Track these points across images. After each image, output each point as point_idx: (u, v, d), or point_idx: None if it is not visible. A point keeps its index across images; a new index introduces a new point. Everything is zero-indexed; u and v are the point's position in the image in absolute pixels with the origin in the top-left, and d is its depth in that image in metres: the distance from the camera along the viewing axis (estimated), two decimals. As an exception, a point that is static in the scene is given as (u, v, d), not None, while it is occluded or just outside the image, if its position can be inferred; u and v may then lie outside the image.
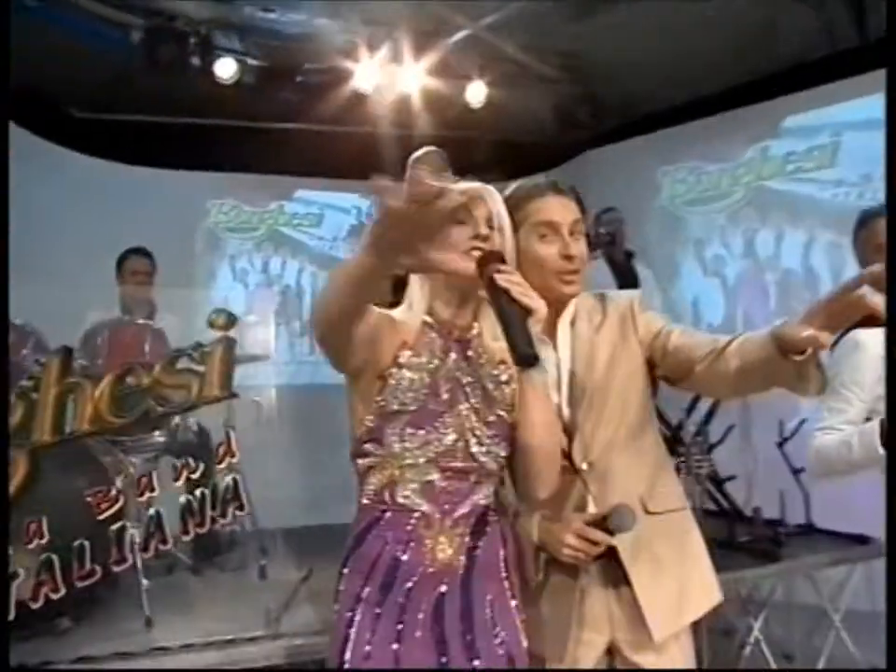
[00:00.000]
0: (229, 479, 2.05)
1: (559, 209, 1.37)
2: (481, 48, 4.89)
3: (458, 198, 0.81)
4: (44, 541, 1.92)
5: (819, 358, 1.19)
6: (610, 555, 1.36)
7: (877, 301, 1.05)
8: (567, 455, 1.37)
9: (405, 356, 1.21)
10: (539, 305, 1.17)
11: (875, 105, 3.21)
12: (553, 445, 1.21)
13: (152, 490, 2.01)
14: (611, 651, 1.41)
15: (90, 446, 2.37)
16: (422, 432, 1.16)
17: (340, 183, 5.56)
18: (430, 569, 1.16)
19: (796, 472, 3.13)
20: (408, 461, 1.17)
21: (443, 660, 1.15)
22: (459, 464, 1.18)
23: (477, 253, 1.20)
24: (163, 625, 2.11)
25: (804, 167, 4.29)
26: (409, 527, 1.17)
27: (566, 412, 1.39)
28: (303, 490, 3.89)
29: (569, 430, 1.38)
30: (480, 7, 4.37)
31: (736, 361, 1.26)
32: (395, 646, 1.14)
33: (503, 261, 1.20)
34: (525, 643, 1.22)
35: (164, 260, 4.62)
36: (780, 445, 3.18)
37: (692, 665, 1.43)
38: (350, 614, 1.17)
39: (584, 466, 1.37)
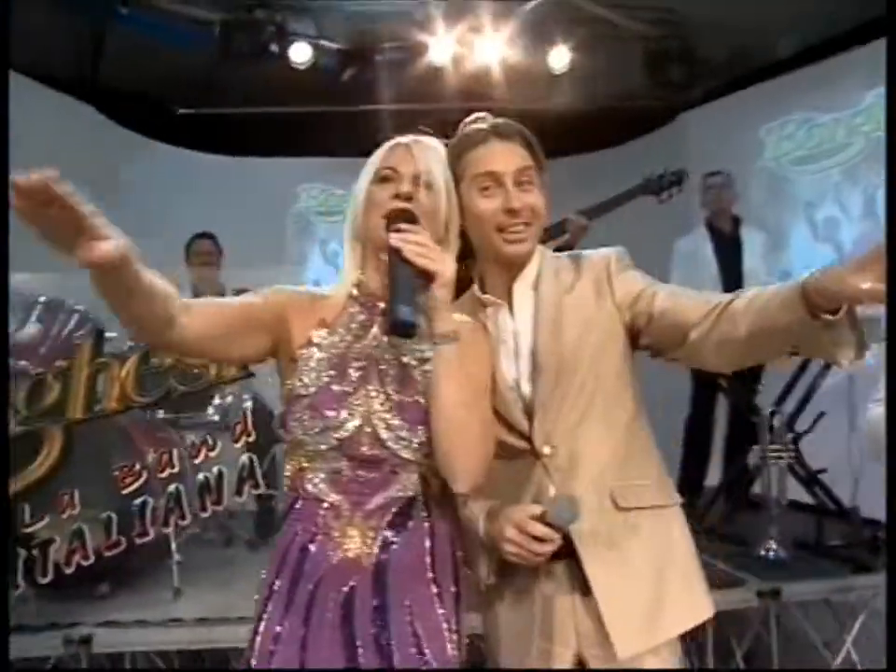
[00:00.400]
0: (245, 458, 2.07)
1: (501, 157, 1.18)
2: (563, 9, 4.62)
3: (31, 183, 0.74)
4: (76, 512, 2.04)
5: (856, 317, 0.98)
6: (576, 557, 1.20)
7: None
8: (528, 438, 1.20)
9: (320, 334, 1.12)
10: (443, 268, 1.03)
11: None
12: (469, 430, 1.05)
13: (172, 466, 2.07)
14: (581, 664, 1.24)
15: (148, 421, 2.52)
16: (320, 417, 1.07)
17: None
18: (337, 564, 1.07)
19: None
20: (310, 448, 1.09)
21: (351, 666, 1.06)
22: (367, 452, 1.07)
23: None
24: (192, 598, 2.19)
25: (939, 110, 3.66)
26: (318, 518, 1.09)
27: (525, 387, 1.21)
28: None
29: (530, 409, 1.20)
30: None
31: (744, 323, 1.05)
32: (301, 644, 1.07)
33: (413, 220, 1.07)
34: (452, 653, 1.09)
35: (257, 245, 4.85)
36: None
37: None
38: (263, 606, 1.12)
39: (546, 450, 1.18)
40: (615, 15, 4.69)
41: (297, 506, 1.12)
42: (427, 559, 1.11)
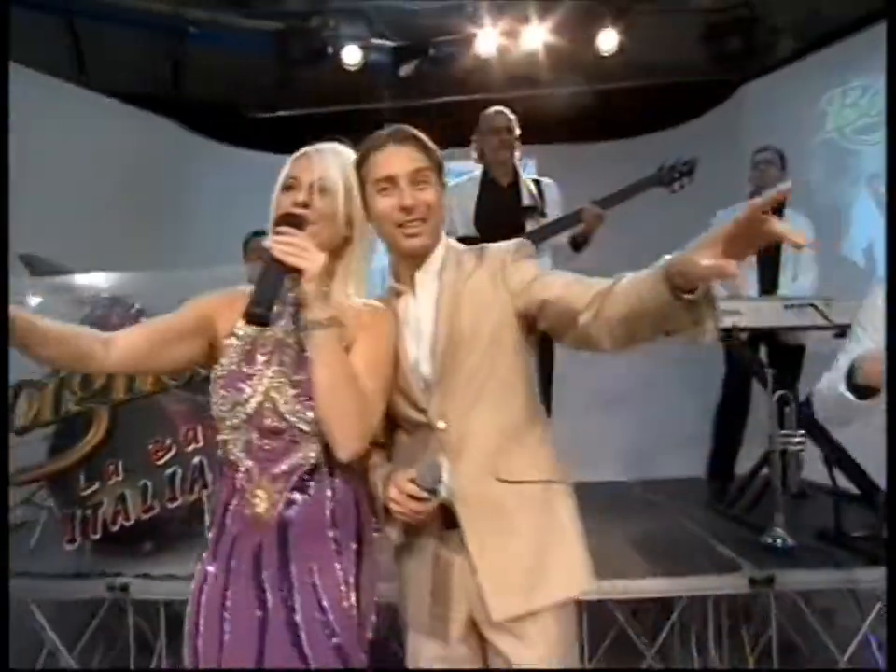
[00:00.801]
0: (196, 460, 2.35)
1: (396, 160, 1.30)
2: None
3: None
4: (120, 479, 2.37)
5: (712, 296, 1.05)
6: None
7: (785, 225, 0.94)
8: (426, 412, 1.31)
9: (239, 325, 1.31)
10: (309, 265, 1.17)
11: None
12: (339, 408, 1.20)
13: (197, 442, 2.36)
14: (474, 625, 1.33)
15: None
16: (229, 395, 1.26)
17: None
18: (249, 521, 1.26)
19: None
20: (227, 422, 1.28)
21: (261, 612, 1.24)
22: (270, 424, 1.25)
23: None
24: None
25: None
26: (237, 481, 1.29)
27: (425, 367, 1.32)
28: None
29: (429, 387, 1.32)
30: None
31: (622, 306, 1.11)
32: (223, 587, 1.27)
33: (299, 224, 1.22)
34: (347, 604, 1.25)
35: None
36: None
37: (559, 650, 1.30)
38: (203, 555, 1.33)
39: (441, 425, 1.31)
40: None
41: (225, 471, 1.33)
42: (328, 518, 1.27)
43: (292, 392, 1.25)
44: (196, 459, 2.36)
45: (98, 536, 2.39)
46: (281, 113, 5.52)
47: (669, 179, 2.81)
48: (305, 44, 4.65)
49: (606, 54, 4.58)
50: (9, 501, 2.81)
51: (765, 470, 3.09)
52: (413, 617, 1.37)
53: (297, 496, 1.27)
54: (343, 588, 1.26)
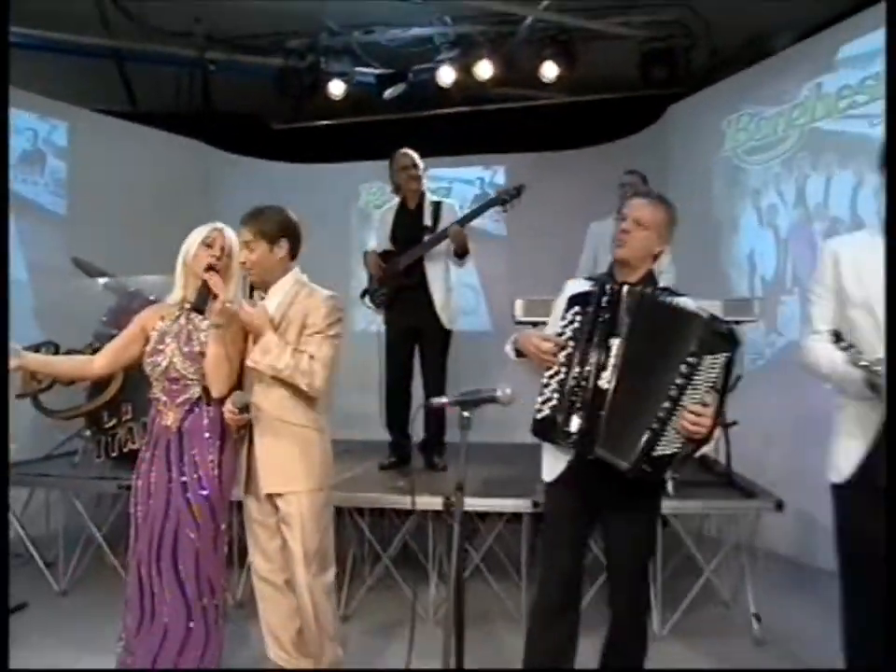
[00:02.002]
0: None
1: (241, 233, 2.33)
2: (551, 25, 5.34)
3: None
4: (129, 417, 3.50)
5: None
6: None
7: None
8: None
9: (158, 324, 2.35)
10: (222, 295, 2.19)
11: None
12: (220, 371, 2.23)
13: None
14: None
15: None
16: (151, 361, 2.31)
17: (463, 159, 6.54)
18: (163, 429, 2.31)
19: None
20: (152, 377, 2.33)
21: (167, 476, 2.28)
22: (172, 376, 2.29)
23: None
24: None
25: (856, 101, 4.01)
26: (159, 407, 2.34)
27: None
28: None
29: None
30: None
31: None
32: (150, 465, 2.33)
33: (216, 270, 2.25)
34: (213, 473, 2.27)
35: (329, 235, 6.15)
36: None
37: (310, 515, 2.29)
38: (142, 448, 2.39)
39: (258, 383, 2.30)
40: (601, 24, 5.32)
41: (153, 402, 2.38)
42: (205, 427, 2.30)
43: (183, 357, 2.29)
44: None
45: (115, 454, 3.54)
46: (296, 125, 6.58)
47: (503, 200, 3.68)
48: (302, 76, 5.63)
49: (548, 82, 5.37)
50: (62, 435, 4.02)
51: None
52: (241, 482, 2.39)
53: (188, 415, 2.31)
54: (211, 465, 2.30)
